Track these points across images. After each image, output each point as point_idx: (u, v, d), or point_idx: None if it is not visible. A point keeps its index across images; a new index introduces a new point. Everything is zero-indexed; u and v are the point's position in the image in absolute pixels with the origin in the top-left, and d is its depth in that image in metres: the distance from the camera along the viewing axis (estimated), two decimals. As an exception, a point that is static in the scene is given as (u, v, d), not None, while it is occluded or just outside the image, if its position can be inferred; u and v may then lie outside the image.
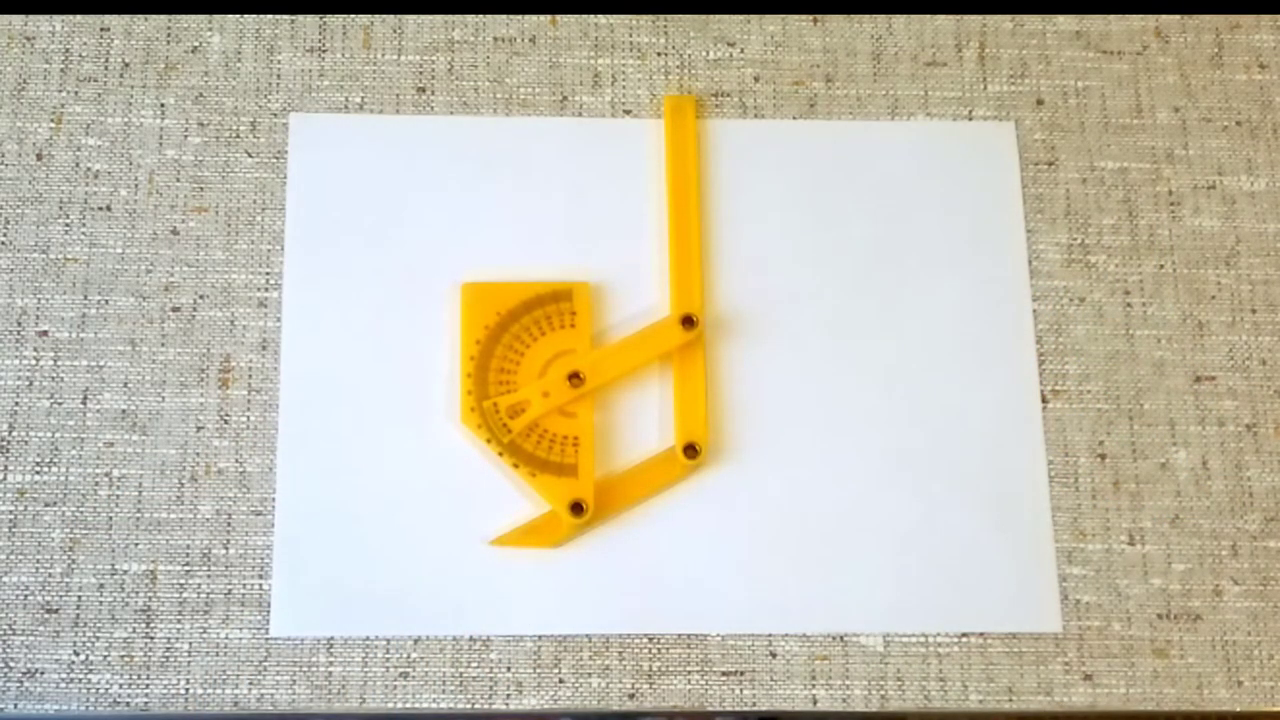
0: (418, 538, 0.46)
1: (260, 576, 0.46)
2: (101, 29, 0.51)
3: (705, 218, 0.50)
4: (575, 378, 0.47)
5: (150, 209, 0.49)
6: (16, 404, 0.47)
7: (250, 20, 0.51)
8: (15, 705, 0.44)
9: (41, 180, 0.49)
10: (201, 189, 0.50)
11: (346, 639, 0.45)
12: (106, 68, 0.51)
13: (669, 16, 0.53)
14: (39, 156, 0.50)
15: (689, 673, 0.46)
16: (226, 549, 0.46)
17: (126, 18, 0.51)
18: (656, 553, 0.47)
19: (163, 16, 0.51)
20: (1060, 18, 0.53)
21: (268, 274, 0.49)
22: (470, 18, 0.52)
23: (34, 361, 0.48)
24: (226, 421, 0.47)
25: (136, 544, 0.46)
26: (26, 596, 0.45)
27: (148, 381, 0.48)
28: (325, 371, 0.48)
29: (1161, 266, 0.51)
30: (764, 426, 0.48)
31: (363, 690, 0.45)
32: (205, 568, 0.46)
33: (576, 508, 0.46)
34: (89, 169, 0.49)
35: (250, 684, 0.45)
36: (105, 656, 0.45)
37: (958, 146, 0.52)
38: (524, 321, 0.48)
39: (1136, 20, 0.54)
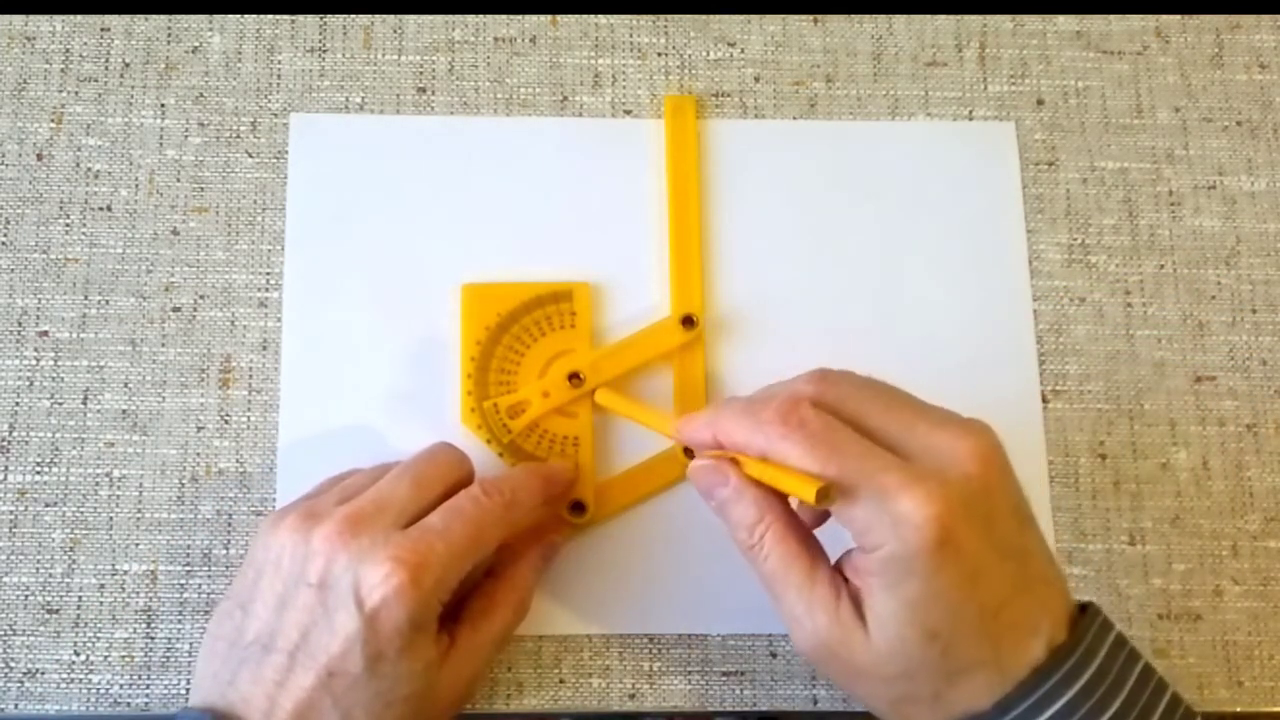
0: (418, 538, 0.46)
1: (260, 576, 0.46)
2: (101, 29, 0.51)
3: (705, 218, 0.50)
4: (575, 378, 0.47)
5: (150, 209, 0.49)
6: (17, 404, 0.47)
7: (250, 20, 0.51)
8: (15, 705, 0.44)
9: (41, 180, 0.49)
10: (202, 189, 0.49)
11: (347, 639, 0.45)
12: (106, 68, 0.51)
13: (669, 16, 0.52)
14: (39, 156, 0.50)
15: (689, 673, 0.46)
16: (227, 549, 0.46)
17: (127, 18, 0.51)
18: (656, 553, 0.47)
19: (163, 16, 0.51)
20: (1060, 18, 0.53)
21: (268, 274, 0.49)
22: (470, 18, 0.52)
23: (34, 362, 0.47)
24: (227, 421, 0.47)
25: (137, 544, 0.46)
26: (27, 597, 0.45)
27: (148, 381, 0.48)
28: (325, 371, 0.48)
29: (1162, 266, 0.51)
30: (764, 426, 0.48)
31: (363, 690, 0.45)
32: (206, 568, 0.46)
33: (576, 508, 0.46)
34: (89, 169, 0.49)
35: (250, 684, 0.45)
36: (106, 657, 0.45)
37: (958, 146, 0.52)
38: (524, 322, 0.48)
39: (1136, 20, 0.54)
